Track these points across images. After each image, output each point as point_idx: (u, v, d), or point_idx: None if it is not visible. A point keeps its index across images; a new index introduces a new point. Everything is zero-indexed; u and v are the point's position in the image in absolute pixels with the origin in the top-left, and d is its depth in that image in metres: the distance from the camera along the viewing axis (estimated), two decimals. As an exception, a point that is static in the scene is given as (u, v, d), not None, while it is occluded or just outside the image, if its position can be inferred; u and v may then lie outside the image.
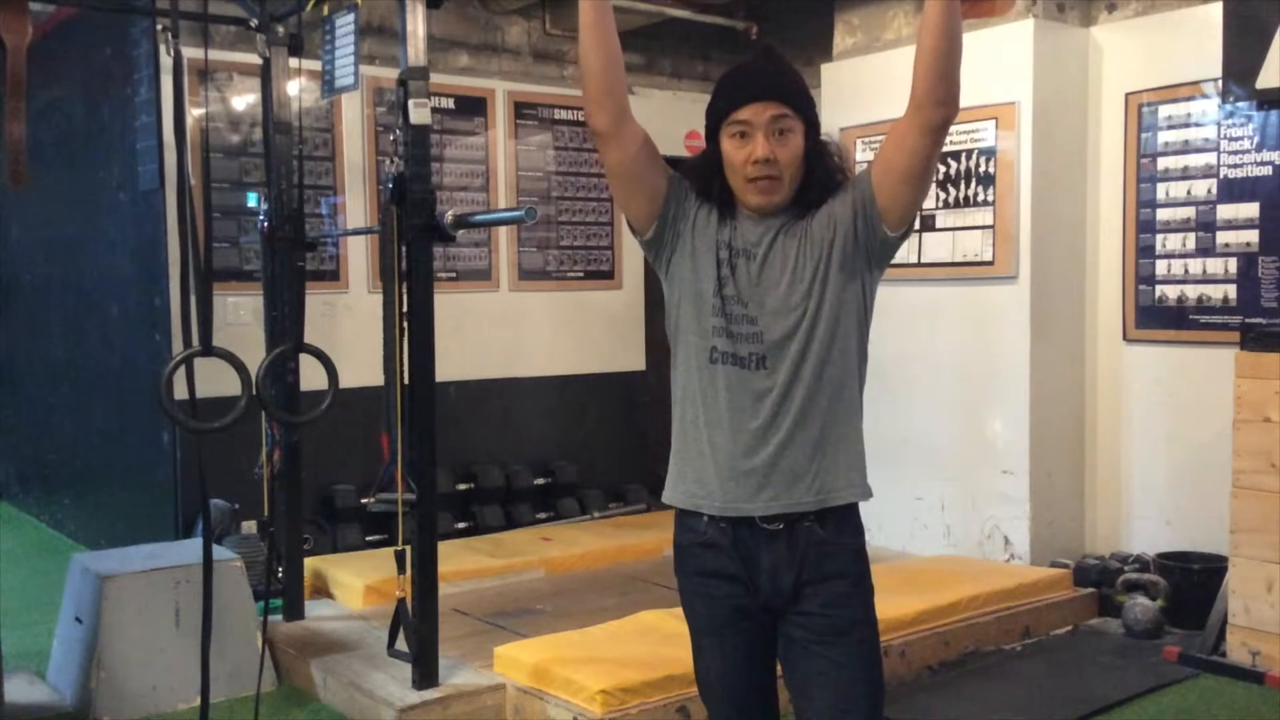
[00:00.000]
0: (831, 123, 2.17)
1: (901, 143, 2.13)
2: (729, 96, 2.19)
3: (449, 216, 3.88)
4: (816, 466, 2.16)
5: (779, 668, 2.28)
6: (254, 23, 4.50)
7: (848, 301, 2.18)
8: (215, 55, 5.20)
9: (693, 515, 2.24)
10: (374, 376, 4.05)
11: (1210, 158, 5.04)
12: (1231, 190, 4.98)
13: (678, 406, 2.27)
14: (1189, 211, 5.12)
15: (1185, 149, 5.13)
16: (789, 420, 2.15)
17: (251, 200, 5.45)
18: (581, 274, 6.72)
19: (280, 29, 4.50)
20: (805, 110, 2.20)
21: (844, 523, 2.21)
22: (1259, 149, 4.89)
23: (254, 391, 3.69)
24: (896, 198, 2.15)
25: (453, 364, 5.59)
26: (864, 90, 5.87)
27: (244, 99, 5.53)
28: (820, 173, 2.21)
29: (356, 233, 5.73)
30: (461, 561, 5.30)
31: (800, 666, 2.20)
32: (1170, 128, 5.18)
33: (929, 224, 5.61)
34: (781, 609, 2.20)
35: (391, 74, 5.01)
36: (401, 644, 3.95)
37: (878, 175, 2.17)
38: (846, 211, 2.18)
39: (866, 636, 2.20)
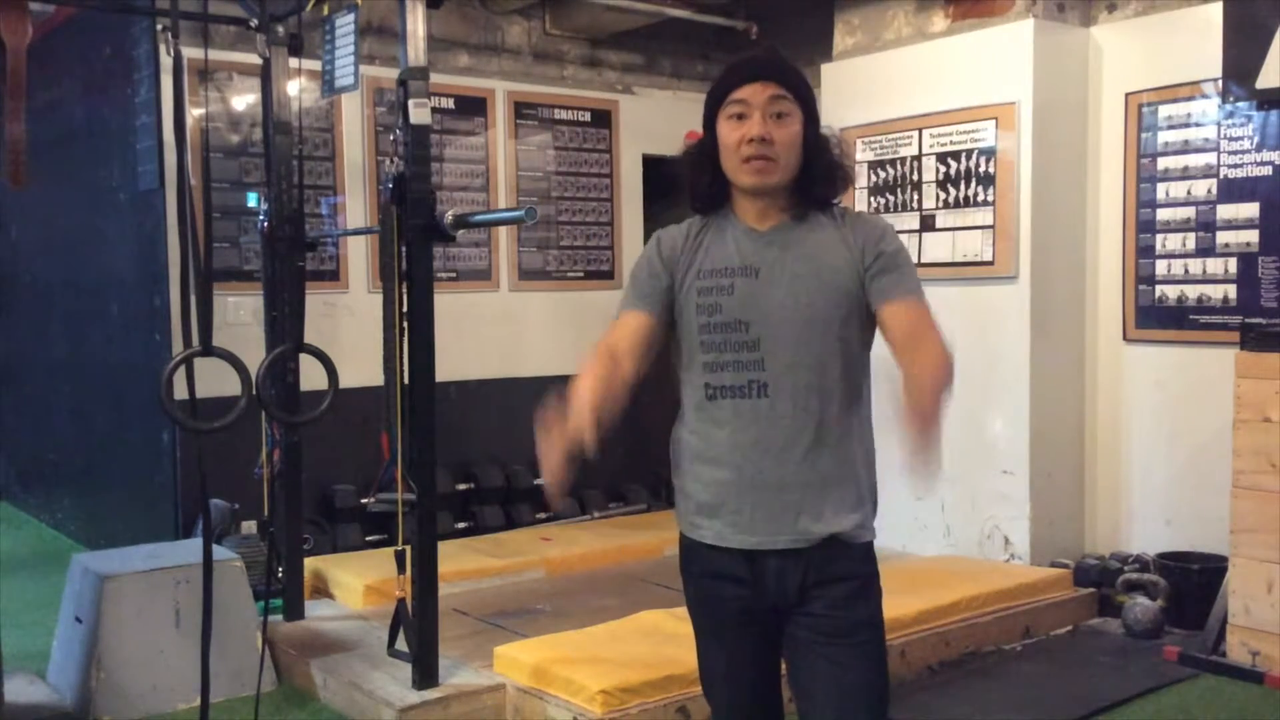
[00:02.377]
0: (831, 123, 2.19)
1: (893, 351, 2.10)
2: (727, 78, 2.17)
3: (449, 216, 3.88)
4: (821, 503, 2.12)
5: (784, 668, 2.28)
6: (254, 23, 4.49)
7: (856, 328, 2.14)
8: (215, 55, 5.19)
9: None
10: (374, 376, 4.05)
11: (1210, 158, 5.04)
12: (1231, 190, 4.98)
13: (683, 431, 2.23)
14: (1189, 211, 5.12)
15: (1185, 149, 5.13)
16: (796, 452, 2.11)
17: (251, 200, 5.45)
18: (581, 274, 6.72)
19: (280, 29, 4.50)
20: (804, 98, 2.16)
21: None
22: (1259, 149, 4.89)
23: (254, 391, 3.69)
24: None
25: (453, 364, 5.58)
26: (864, 90, 5.87)
27: (244, 99, 5.53)
28: (820, 167, 2.16)
29: (356, 233, 5.73)
30: (461, 561, 5.30)
31: (804, 667, 2.18)
32: (1170, 128, 5.18)
33: (929, 224, 5.61)
34: (787, 609, 2.18)
35: (391, 74, 5.01)
36: (401, 644, 3.95)
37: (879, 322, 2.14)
38: (858, 259, 2.13)
39: (872, 638, 2.18)
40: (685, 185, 2.22)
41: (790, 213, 2.17)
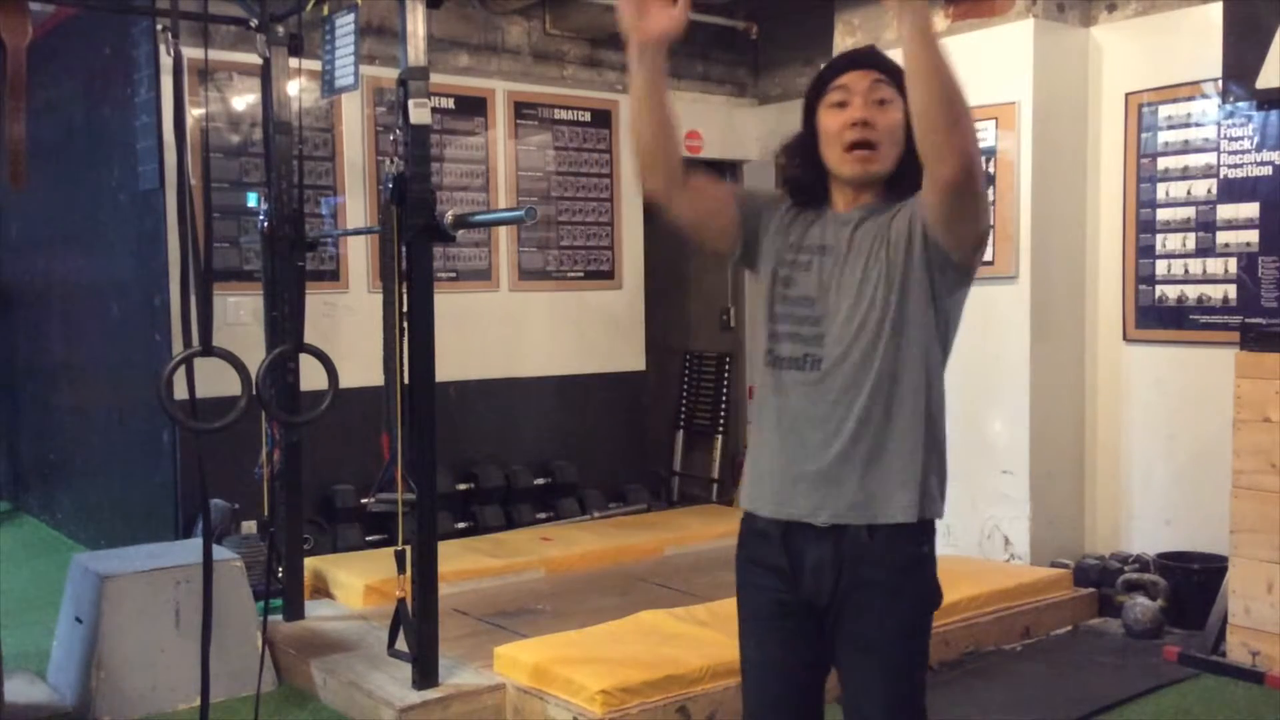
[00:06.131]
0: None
1: (925, 197, 2.02)
2: (828, 70, 2.18)
3: (449, 216, 3.88)
4: (866, 481, 2.09)
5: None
6: (254, 23, 4.50)
7: (920, 310, 2.09)
8: (215, 55, 5.19)
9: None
10: (374, 376, 4.05)
11: (1210, 158, 5.04)
12: (1231, 190, 4.97)
13: (752, 406, 2.28)
14: (1189, 211, 5.12)
15: (1185, 149, 5.13)
16: (846, 430, 2.09)
17: (251, 200, 5.45)
18: (581, 274, 6.72)
19: (280, 29, 4.50)
20: (904, 89, 2.05)
21: (898, 536, 2.12)
22: (1259, 149, 4.89)
23: (254, 391, 3.69)
24: (943, 237, 2.05)
25: (453, 364, 5.58)
26: (864, 90, 5.86)
27: (244, 99, 5.53)
28: (918, 160, 2.05)
29: (356, 233, 5.73)
30: (461, 561, 5.30)
31: (842, 675, 2.20)
32: (1170, 128, 5.18)
33: (929, 224, 5.61)
34: (825, 611, 2.16)
35: (391, 74, 5.01)
36: (401, 644, 3.95)
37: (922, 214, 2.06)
38: (918, 224, 2.07)
39: (904, 651, 2.17)
40: (784, 178, 2.24)
41: (877, 199, 2.14)
